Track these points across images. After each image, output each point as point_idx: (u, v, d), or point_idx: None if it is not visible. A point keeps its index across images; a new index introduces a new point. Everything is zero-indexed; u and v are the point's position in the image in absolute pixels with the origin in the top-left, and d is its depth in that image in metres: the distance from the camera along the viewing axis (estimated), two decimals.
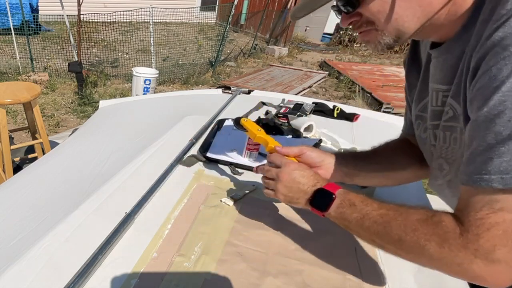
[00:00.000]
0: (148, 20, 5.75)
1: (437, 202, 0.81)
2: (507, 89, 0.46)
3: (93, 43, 6.89)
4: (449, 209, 0.70)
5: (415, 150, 0.83)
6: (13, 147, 2.43)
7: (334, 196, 0.67)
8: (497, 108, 0.47)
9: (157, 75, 4.70)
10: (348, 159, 0.85)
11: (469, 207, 0.51)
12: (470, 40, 0.55)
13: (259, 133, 0.91)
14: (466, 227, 0.51)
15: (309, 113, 1.70)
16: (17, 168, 2.51)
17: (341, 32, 9.73)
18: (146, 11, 5.69)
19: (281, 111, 1.68)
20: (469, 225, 0.50)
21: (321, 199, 0.69)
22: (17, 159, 2.63)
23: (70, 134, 2.43)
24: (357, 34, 0.65)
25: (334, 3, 0.59)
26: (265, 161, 1.18)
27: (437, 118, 0.67)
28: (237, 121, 0.90)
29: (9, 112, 3.89)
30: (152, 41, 5.80)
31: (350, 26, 0.62)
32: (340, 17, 0.61)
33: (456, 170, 0.65)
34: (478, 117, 0.50)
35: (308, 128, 1.48)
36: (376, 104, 5.01)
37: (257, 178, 1.09)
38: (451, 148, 0.65)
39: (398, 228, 0.58)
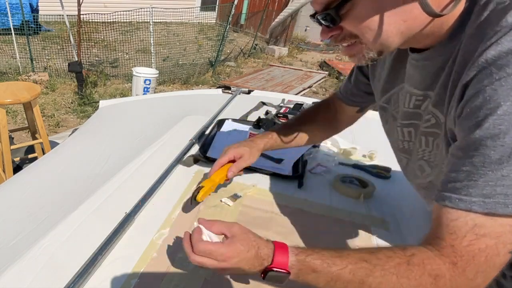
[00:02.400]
0: (148, 20, 5.75)
1: None
2: (502, 112, 0.44)
3: (93, 43, 6.89)
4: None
5: (332, 113, 0.98)
6: (13, 147, 2.43)
7: (287, 272, 0.55)
8: (491, 132, 0.45)
9: (157, 75, 4.70)
10: (273, 134, 0.95)
11: (451, 232, 0.48)
12: (454, 52, 0.54)
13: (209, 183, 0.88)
14: (452, 258, 0.48)
15: None
16: (17, 168, 2.51)
17: None
18: (146, 11, 5.69)
19: (281, 111, 1.68)
20: (455, 255, 0.48)
21: (275, 278, 0.56)
22: (17, 159, 2.63)
23: (70, 134, 2.43)
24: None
25: (312, 12, 0.57)
26: (265, 161, 1.18)
27: (408, 119, 0.68)
28: (194, 197, 0.84)
29: (9, 112, 3.89)
30: (152, 41, 5.80)
31: (330, 40, 0.59)
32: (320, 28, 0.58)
33: (438, 173, 0.65)
34: (468, 138, 0.48)
35: None
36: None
37: (257, 178, 1.09)
38: (433, 152, 0.64)
39: (380, 283, 0.51)
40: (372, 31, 0.53)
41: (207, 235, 0.61)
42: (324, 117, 1.00)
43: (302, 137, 0.97)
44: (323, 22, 0.55)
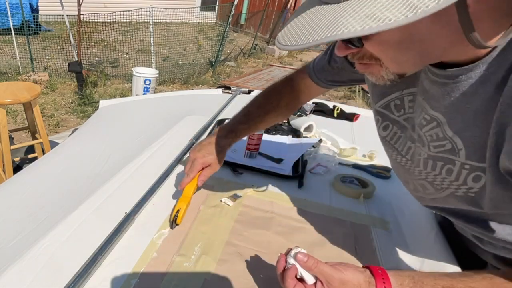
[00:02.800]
0: (148, 20, 5.75)
1: None
2: None
3: (93, 43, 6.89)
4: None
5: (295, 94, 0.94)
6: (13, 147, 2.43)
7: None
8: None
9: (157, 75, 4.70)
10: (237, 131, 0.92)
11: None
12: (495, 77, 0.46)
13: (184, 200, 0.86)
14: None
15: (309, 113, 1.70)
16: (17, 168, 2.51)
17: None
18: (146, 11, 5.69)
19: None
20: None
21: None
22: (17, 159, 2.63)
23: (70, 134, 2.43)
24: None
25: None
26: (265, 161, 1.18)
27: (413, 140, 0.63)
28: (174, 220, 0.82)
29: (9, 112, 3.89)
30: (152, 41, 5.80)
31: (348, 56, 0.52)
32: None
33: (446, 197, 0.61)
34: None
35: (308, 128, 1.48)
36: None
37: (257, 178, 1.09)
38: (441, 177, 0.60)
39: None
40: (398, 60, 0.48)
41: (302, 273, 0.58)
42: (287, 102, 0.95)
43: (264, 126, 0.99)
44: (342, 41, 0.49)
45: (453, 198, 0.61)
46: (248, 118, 0.94)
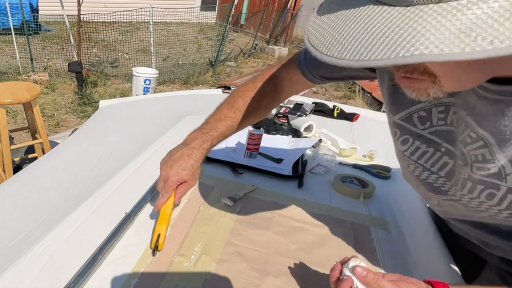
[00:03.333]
0: (148, 20, 5.75)
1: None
2: None
3: (93, 43, 6.88)
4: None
5: (277, 92, 0.83)
6: (13, 147, 2.42)
7: None
8: None
9: (157, 75, 4.70)
10: (213, 139, 0.80)
11: None
12: None
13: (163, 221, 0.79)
14: None
15: (309, 113, 1.70)
16: (17, 168, 2.51)
17: None
18: (146, 11, 5.69)
19: (281, 111, 1.68)
20: None
21: None
22: (17, 159, 2.63)
23: (70, 134, 2.43)
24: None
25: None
26: (265, 161, 1.18)
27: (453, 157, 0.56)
28: (156, 247, 0.75)
29: (9, 112, 3.89)
30: (152, 41, 5.80)
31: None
32: None
33: (481, 217, 0.57)
34: None
35: (308, 128, 1.48)
36: (376, 104, 5.00)
37: (257, 178, 1.09)
38: (478, 201, 0.54)
39: None
40: (461, 79, 0.41)
41: (358, 286, 0.56)
42: (268, 102, 0.86)
43: (240, 129, 0.85)
44: None
45: (491, 219, 0.56)
46: (225, 124, 0.81)
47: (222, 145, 1.26)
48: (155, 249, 0.75)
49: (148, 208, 0.89)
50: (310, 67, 0.78)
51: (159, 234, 0.76)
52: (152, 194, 0.93)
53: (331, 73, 0.77)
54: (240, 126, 0.83)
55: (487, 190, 0.52)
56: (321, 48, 0.37)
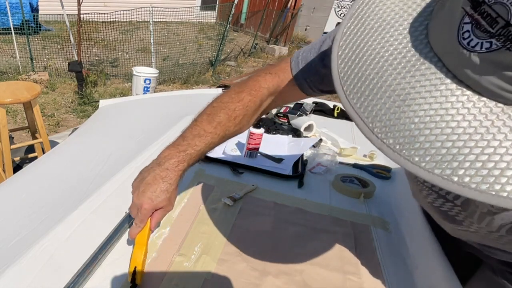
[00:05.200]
0: (148, 20, 5.75)
1: None
2: None
3: (93, 43, 6.88)
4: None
5: (262, 107, 0.73)
6: (13, 146, 2.42)
7: None
8: None
9: (157, 75, 4.70)
10: (191, 158, 0.71)
11: None
12: None
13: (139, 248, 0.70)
14: None
15: (309, 113, 1.70)
16: (17, 168, 2.51)
17: None
18: (146, 11, 5.69)
19: (281, 110, 1.68)
20: None
21: None
22: (17, 158, 2.63)
23: (70, 134, 2.43)
24: None
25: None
26: (265, 161, 1.18)
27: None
28: (133, 282, 0.65)
29: (9, 112, 3.89)
30: (152, 41, 5.80)
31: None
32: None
33: (503, 245, 0.52)
34: None
35: (308, 128, 1.48)
36: None
37: (257, 178, 1.09)
38: (497, 234, 0.50)
39: None
40: None
41: None
42: (252, 117, 0.76)
43: (217, 145, 0.76)
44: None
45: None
46: (204, 141, 0.71)
47: (222, 145, 1.26)
48: (133, 284, 0.64)
49: None
50: (310, 82, 0.70)
51: (135, 267, 0.66)
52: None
53: (329, 86, 0.68)
54: (218, 143, 0.74)
55: (488, 217, 0.47)
56: (380, 135, 0.31)
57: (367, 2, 0.36)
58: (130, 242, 0.77)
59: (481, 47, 0.27)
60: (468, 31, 0.28)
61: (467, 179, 0.27)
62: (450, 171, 0.27)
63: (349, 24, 0.36)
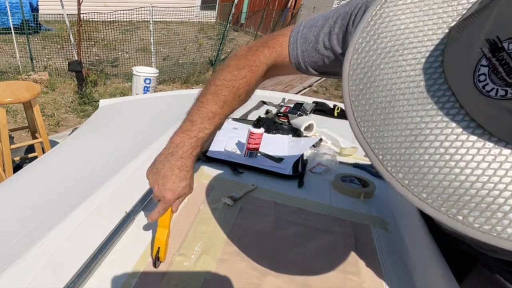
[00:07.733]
0: (148, 19, 5.75)
1: None
2: None
3: (93, 42, 6.88)
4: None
5: (256, 85, 0.72)
6: (13, 146, 2.42)
7: None
8: None
9: (157, 74, 4.70)
10: (202, 144, 0.72)
11: None
12: None
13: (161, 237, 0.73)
14: None
15: (310, 113, 1.70)
16: (17, 168, 2.51)
17: None
18: (146, 10, 5.69)
19: (282, 110, 1.68)
20: None
21: None
22: (17, 158, 2.63)
23: (70, 134, 2.43)
24: None
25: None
26: (265, 161, 1.18)
27: None
28: (157, 258, 0.72)
29: (9, 112, 3.89)
30: (152, 40, 5.80)
31: None
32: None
33: None
34: None
35: (309, 128, 1.48)
36: None
37: (257, 178, 1.09)
38: None
39: None
40: None
41: None
42: (252, 91, 0.76)
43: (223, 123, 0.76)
44: None
45: None
46: (214, 123, 0.71)
47: (222, 144, 1.26)
48: (156, 260, 0.71)
49: (148, 208, 0.89)
50: (306, 62, 0.68)
51: (159, 247, 0.71)
52: (152, 194, 0.93)
53: (331, 67, 0.67)
54: (223, 120, 0.74)
55: None
56: (390, 168, 0.31)
57: (380, 14, 0.35)
58: (146, 226, 0.77)
59: (496, 94, 0.27)
60: (484, 74, 0.28)
61: (471, 219, 0.28)
62: (456, 210, 0.28)
63: (360, 40, 0.35)
